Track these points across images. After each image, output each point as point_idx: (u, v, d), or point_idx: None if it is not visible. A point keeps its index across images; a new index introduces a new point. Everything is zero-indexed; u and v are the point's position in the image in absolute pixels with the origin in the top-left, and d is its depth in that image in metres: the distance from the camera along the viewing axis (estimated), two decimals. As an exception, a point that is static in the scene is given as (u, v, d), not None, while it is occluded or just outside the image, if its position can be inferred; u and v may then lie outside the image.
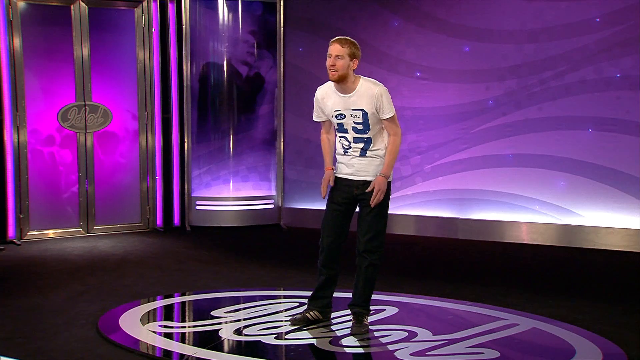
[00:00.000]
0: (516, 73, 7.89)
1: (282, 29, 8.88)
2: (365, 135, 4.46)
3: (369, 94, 4.42)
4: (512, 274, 6.52)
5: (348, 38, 4.46)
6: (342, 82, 4.44)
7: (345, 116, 4.46)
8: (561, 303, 5.42)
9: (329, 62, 4.40)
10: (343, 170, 4.57)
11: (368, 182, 4.50)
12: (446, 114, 8.26)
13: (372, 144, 4.48)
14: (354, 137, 4.47)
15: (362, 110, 4.42)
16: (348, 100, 4.45)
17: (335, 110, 4.48)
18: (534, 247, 7.68)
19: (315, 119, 4.68)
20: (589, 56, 7.52)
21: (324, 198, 4.67)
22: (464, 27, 8.10)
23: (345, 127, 4.48)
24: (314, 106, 4.64)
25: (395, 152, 4.50)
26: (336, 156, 4.64)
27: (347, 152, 4.53)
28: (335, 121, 4.51)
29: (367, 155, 4.49)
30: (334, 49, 4.41)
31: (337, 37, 4.47)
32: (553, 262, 7.02)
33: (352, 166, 4.52)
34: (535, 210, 7.85)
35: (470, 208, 8.20)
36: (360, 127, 4.45)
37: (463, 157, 8.21)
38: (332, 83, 4.51)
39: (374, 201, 4.45)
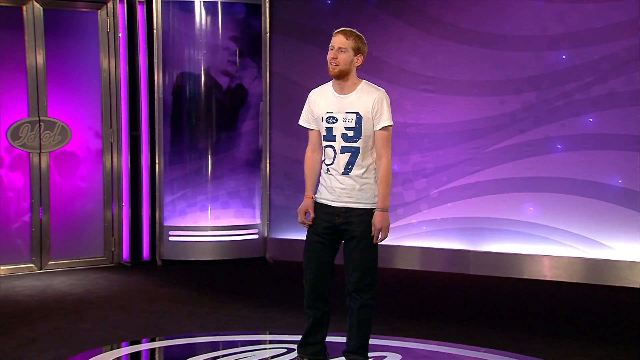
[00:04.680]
0: (535, 85, 7.90)
1: (267, 34, 8.88)
2: (354, 145, 4.44)
3: (368, 96, 4.44)
4: (533, 315, 6.49)
5: (354, 30, 4.49)
6: (342, 79, 4.46)
7: (337, 120, 4.46)
8: (589, 350, 5.39)
9: (330, 54, 4.43)
10: (324, 194, 4.55)
11: (351, 210, 4.47)
12: (455, 131, 8.25)
13: (359, 159, 4.44)
14: (342, 147, 4.45)
15: (357, 113, 4.43)
16: (343, 101, 4.47)
17: (327, 112, 4.48)
18: (557, 285, 7.66)
19: (301, 122, 4.66)
20: (618, 65, 7.53)
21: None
22: (476, 32, 8.12)
23: (334, 134, 4.47)
24: (304, 108, 4.64)
25: (390, 179, 4.49)
26: (320, 177, 4.62)
27: (329, 170, 4.50)
28: (324, 125, 4.49)
29: (350, 174, 4.45)
30: (337, 40, 4.43)
31: (342, 28, 4.49)
32: (580, 302, 7.00)
33: (334, 190, 4.49)
34: (557, 242, 7.82)
35: (484, 239, 8.17)
36: (351, 133, 4.43)
37: (475, 180, 8.20)
38: (330, 83, 4.55)
39: (377, 241, 4.46)
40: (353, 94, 4.46)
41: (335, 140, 4.46)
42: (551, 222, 7.86)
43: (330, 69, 4.42)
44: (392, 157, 4.51)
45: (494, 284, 7.69)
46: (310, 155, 4.64)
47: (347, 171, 4.45)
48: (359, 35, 4.47)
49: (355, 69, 4.47)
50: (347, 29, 4.47)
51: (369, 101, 4.43)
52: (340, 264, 4.55)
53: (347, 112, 4.44)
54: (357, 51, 4.43)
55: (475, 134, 8.16)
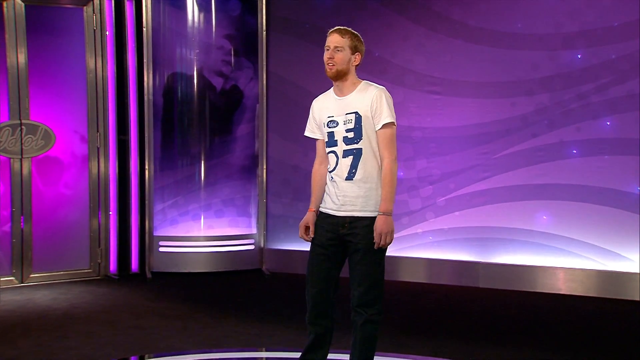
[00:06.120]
0: (549, 86, 7.88)
1: (264, 32, 8.88)
2: (356, 146, 4.44)
3: (366, 94, 4.46)
4: (547, 331, 6.46)
5: (349, 29, 4.51)
6: (341, 80, 4.47)
7: (337, 124, 4.47)
8: (610, 369, 5.36)
9: (326, 55, 4.46)
10: (328, 204, 4.55)
11: (356, 219, 4.45)
12: (463, 136, 8.25)
13: (362, 162, 4.44)
14: (344, 151, 4.46)
15: (356, 113, 4.44)
16: (342, 102, 4.49)
17: (328, 117, 4.51)
18: (572, 299, 7.63)
19: (307, 133, 4.69)
20: (637, 65, 7.50)
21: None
22: (485, 30, 8.11)
23: (335, 138, 4.48)
24: (309, 118, 4.66)
25: (393, 181, 4.46)
26: (325, 186, 4.63)
27: (332, 177, 4.50)
28: (326, 131, 4.51)
29: (354, 179, 4.44)
30: (333, 40, 4.46)
31: (336, 27, 4.51)
32: (597, 318, 6.97)
33: (337, 199, 4.48)
34: (572, 253, 7.78)
35: (494, 250, 8.15)
36: (351, 135, 4.44)
37: (484, 187, 8.19)
38: (332, 88, 4.56)
39: (378, 246, 4.41)
40: (352, 94, 4.48)
41: (337, 145, 4.46)
42: (566, 232, 7.84)
43: (327, 70, 4.45)
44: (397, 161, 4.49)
45: (504, 298, 7.67)
46: (317, 168, 4.66)
47: (350, 176, 4.43)
48: (354, 33, 4.49)
49: (354, 68, 4.49)
50: (341, 27, 4.50)
51: (367, 99, 4.44)
52: (345, 277, 4.53)
53: (346, 114, 4.45)
54: (354, 49, 4.45)
55: (484, 138, 8.15)
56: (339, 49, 4.42)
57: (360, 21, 8.41)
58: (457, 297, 7.71)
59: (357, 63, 4.48)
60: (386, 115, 4.43)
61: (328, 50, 4.44)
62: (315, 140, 4.65)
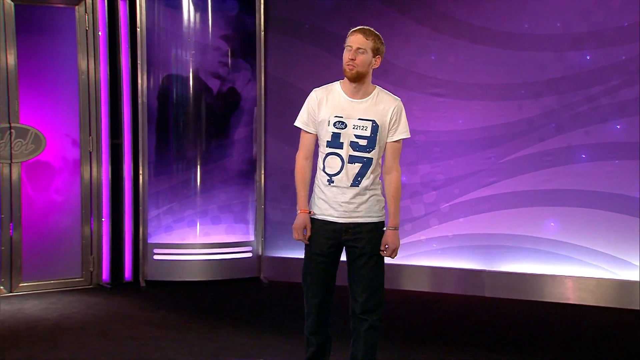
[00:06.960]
0: (556, 88, 7.87)
1: (262, 33, 8.86)
2: (367, 155, 4.47)
3: (386, 105, 4.50)
4: (555, 342, 6.46)
5: (373, 29, 4.53)
6: (358, 82, 4.50)
7: (346, 126, 4.47)
8: (622, 382, 5.33)
9: (347, 55, 4.47)
10: (326, 210, 4.57)
11: (360, 225, 4.50)
12: (468, 140, 8.24)
13: (370, 170, 4.48)
14: (351, 156, 4.47)
15: (373, 121, 4.47)
16: (357, 106, 4.49)
17: (336, 117, 4.49)
18: (581, 309, 7.62)
19: (298, 123, 4.67)
20: (649, 67, 7.54)
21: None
22: (490, 30, 8.11)
23: (341, 141, 4.48)
24: (303, 109, 4.65)
25: (400, 194, 4.58)
26: (315, 189, 4.64)
27: (332, 181, 4.50)
28: (330, 130, 4.50)
29: (360, 186, 4.48)
30: (356, 40, 4.48)
31: (360, 27, 4.54)
32: (607, 328, 6.95)
33: (339, 205, 4.51)
34: (581, 261, 7.76)
35: (500, 258, 8.14)
36: (363, 142, 4.46)
37: (490, 193, 8.19)
38: (337, 84, 4.58)
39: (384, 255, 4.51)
40: (369, 100, 4.51)
41: (342, 148, 4.47)
42: (575, 239, 7.83)
43: (347, 70, 4.46)
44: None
45: (511, 308, 7.66)
46: (303, 164, 4.67)
47: (355, 183, 4.47)
48: (377, 34, 4.52)
49: (371, 71, 4.51)
50: (365, 27, 4.51)
51: (386, 110, 4.48)
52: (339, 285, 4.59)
53: (360, 119, 4.46)
54: (376, 52, 4.48)
55: (490, 142, 8.15)
56: (361, 50, 4.43)
57: (361, 21, 8.31)
58: (462, 307, 7.71)
59: (376, 66, 4.52)
60: (403, 130, 4.53)
61: (350, 50, 4.45)
62: (301, 130, 4.62)
